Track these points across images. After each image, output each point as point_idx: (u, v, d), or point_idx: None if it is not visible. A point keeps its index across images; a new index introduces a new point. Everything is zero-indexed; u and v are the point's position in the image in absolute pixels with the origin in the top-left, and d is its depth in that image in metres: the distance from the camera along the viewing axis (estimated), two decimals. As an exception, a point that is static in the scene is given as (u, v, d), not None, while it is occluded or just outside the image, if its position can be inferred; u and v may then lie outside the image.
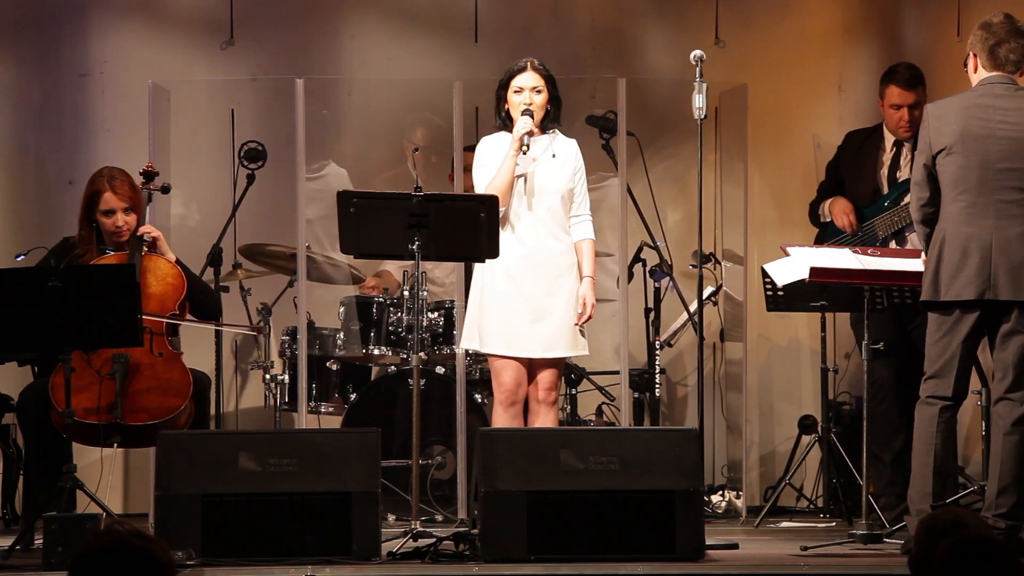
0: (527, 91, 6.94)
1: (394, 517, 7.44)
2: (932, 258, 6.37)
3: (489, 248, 6.60)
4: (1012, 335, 6.31)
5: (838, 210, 8.05)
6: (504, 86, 6.99)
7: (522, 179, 6.90)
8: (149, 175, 7.04)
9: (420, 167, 8.95)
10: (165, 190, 7.11)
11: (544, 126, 6.98)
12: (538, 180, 6.92)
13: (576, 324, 6.90)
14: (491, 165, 6.92)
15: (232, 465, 6.06)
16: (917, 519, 6.21)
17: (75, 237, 7.07)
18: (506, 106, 6.98)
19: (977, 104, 6.37)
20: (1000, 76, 6.39)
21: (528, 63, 6.97)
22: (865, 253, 6.88)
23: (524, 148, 6.83)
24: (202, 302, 7.08)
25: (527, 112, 6.89)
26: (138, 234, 6.91)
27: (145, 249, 6.91)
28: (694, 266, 7.96)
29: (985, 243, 6.28)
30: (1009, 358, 6.33)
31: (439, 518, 7.56)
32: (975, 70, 6.45)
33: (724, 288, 8.77)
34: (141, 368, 6.72)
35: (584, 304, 6.90)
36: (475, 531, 6.21)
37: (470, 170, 7.26)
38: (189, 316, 7.05)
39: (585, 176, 7.06)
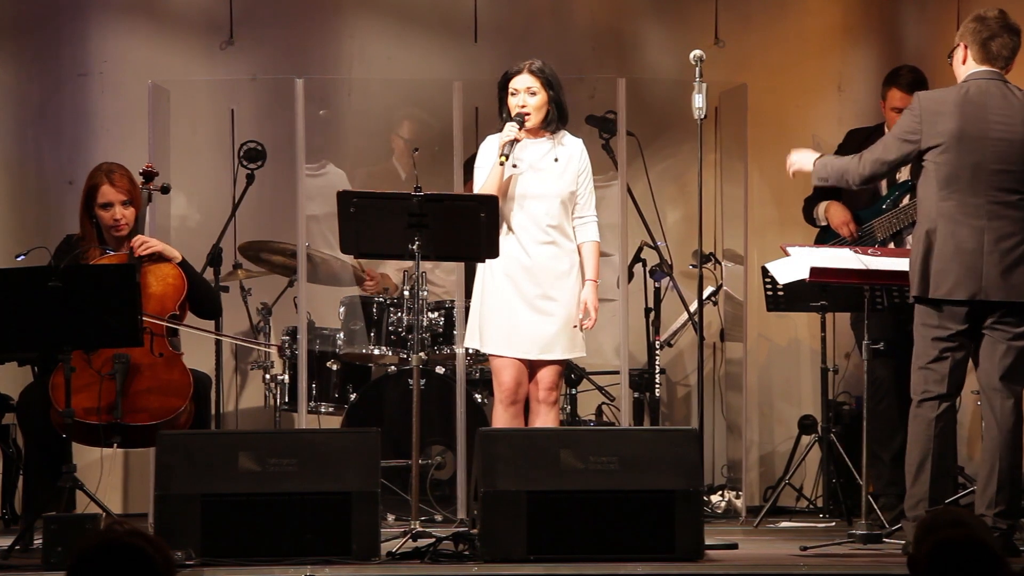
0: (521, 93, 6.90)
1: (394, 517, 7.44)
2: (918, 253, 6.35)
3: (489, 248, 6.59)
4: (995, 330, 6.29)
5: (837, 221, 8.02)
6: (502, 87, 6.97)
7: (522, 183, 6.88)
8: (149, 175, 7.02)
9: (404, 165, 8.96)
10: (165, 190, 7.10)
11: (545, 129, 6.95)
12: (538, 185, 6.89)
13: (580, 329, 6.88)
14: (487, 167, 6.90)
15: (232, 465, 6.05)
16: (914, 523, 6.20)
17: (77, 234, 7.06)
18: (507, 106, 6.97)
19: (973, 103, 6.35)
20: (991, 72, 6.38)
21: (525, 65, 6.92)
22: (866, 253, 6.88)
23: (503, 158, 6.77)
24: (202, 301, 7.06)
25: (517, 117, 6.85)
26: (133, 249, 6.86)
27: (145, 262, 6.87)
28: (694, 266, 7.96)
29: (977, 244, 6.27)
30: (995, 355, 6.31)
31: (439, 518, 7.56)
32: (964, 62, 6.45)
33: (724, 288, 8.77)
34: (141, 368, 6.70)
35: (587, 308, 6.88)
36: (475, 531, 6.21)
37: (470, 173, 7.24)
38: (194, 323, 7.04)
39: (591, 177, 7.03)
